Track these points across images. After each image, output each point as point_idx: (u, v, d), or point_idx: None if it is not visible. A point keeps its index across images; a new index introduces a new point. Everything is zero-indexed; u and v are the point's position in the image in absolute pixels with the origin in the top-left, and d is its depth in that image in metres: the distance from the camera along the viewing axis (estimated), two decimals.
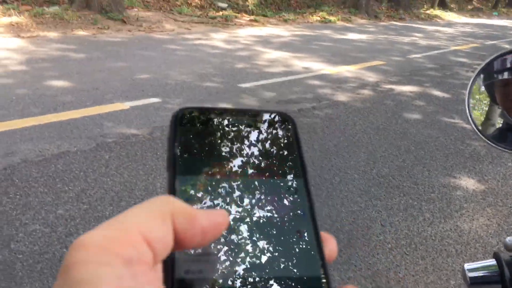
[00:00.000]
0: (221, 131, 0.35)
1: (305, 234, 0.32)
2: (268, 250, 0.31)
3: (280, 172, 0.35)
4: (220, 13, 11.79)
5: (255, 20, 11.76)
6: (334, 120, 4.56)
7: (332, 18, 13.80)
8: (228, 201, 0.32)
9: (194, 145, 0.34)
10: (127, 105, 4.41)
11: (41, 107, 4.09)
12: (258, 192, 0.33)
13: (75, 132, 3.65)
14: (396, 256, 2.51)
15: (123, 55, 6.55)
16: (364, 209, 2.95)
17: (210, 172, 0.33)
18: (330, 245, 0.32)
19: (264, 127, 0.36)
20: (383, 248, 2.56)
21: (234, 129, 0.36)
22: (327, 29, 12.08)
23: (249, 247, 0.31)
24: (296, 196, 0.34)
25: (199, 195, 0.32)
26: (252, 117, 0.36)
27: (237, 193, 0.33)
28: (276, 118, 0.37)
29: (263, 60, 7.08)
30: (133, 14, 9.70)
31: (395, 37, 11.60)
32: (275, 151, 0.36)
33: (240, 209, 0.32)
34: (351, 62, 7.62)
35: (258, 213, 0.32)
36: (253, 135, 0.36)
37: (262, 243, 0.31)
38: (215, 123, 0.35)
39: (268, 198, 0.33)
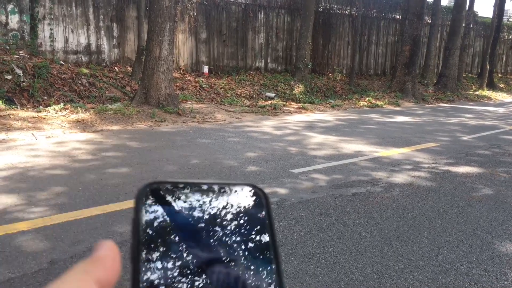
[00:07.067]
0: (190, 207, 0.33)
1: None
2: None
3: (249, 253, 0.32)
4: (269, 102, 12.28)
5: (303, 108, 12.12)
6: (391, 204, 4.46)
7: (379, 102, 14.00)
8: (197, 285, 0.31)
9: (161, 226, 0.32)
10: None
11: (105, 197, 4.30)
12: (226, 275, 0.31)
13: None
14: None
15: (178, 145, 6.87)
16: None
17: (178, 255, 0.31)
18: None
19: (234, 202, 0.34)
20: None
21: (203, 204, 0.33)
22: (375, 113, 12.22)
23: None
24: (265, 273, 0.32)
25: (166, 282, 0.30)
26: (222, 190, 0.34)
27: (206, 276, 0.31)
28: (248, 192, 0.34)
29: (313, 145, 7.19)
30: (187, 107, 10.31)
31: (444, 119, 11.52)
32: (245, 229, 0.33)
33: None
34: (402, 144, 7.58)
35: None
36: (223, 211, 0.33)
37: None
38: (183, 198, 0.34)
39: (235, 280, 0.31)
